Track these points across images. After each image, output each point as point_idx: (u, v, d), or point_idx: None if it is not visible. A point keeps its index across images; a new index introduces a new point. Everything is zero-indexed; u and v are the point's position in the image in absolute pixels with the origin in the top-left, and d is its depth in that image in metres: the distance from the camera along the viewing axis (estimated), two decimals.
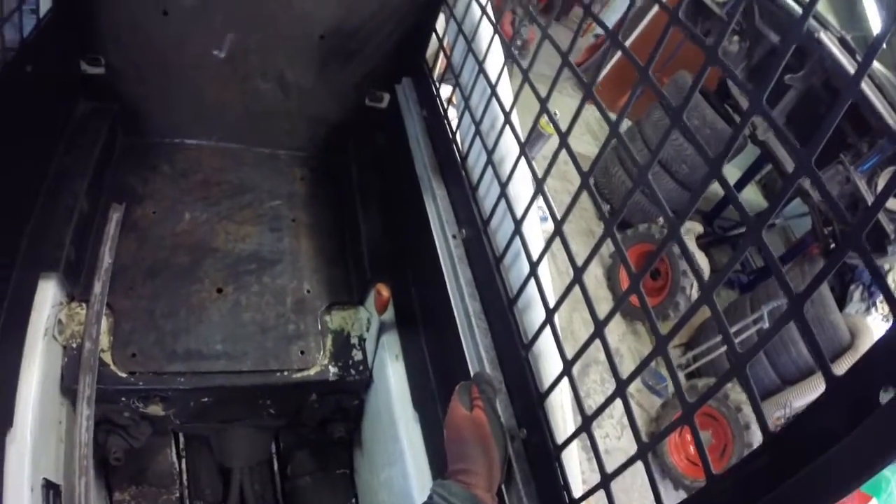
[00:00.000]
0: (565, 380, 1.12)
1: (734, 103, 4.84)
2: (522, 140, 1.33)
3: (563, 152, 1.18)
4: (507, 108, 1.41)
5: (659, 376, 4.60)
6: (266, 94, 2.26)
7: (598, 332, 1.07)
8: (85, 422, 1.50)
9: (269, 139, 2.43)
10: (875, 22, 5.78)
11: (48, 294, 1.62)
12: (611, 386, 0.98)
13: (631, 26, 6.54)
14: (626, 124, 6.67)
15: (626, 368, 4.36)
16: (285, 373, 1.82)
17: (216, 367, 1.78)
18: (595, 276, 5.27)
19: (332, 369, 1.86)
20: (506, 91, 1.49)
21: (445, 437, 1.15)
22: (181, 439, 2.22)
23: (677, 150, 5.05)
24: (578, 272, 1.11)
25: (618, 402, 0.97)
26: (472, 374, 1.32)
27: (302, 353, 1.86)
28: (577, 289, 1.10)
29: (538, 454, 1.16)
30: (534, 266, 1.22)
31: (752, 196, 7.25)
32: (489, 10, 1.61)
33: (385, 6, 2.05)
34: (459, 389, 1.20)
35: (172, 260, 1.98)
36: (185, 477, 2.20)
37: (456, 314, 1.41)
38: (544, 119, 1.31)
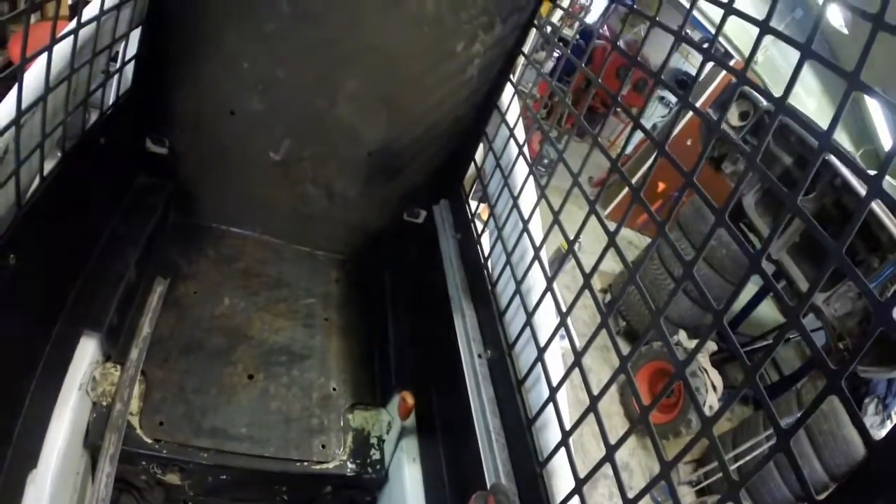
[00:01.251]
0: (576, 497, 1.20)
1: (749, 222, 5.01)
2: (549, 274, 1.47)
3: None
4: (538, 244, 1.55)
5: (668, 492, 4.49)
6: (313, 198, 2.46)
7: (609, 456, 1.15)
8: (105, 478, 1.55)
9: (310, 239, 2.61)
10: (884, 135, 5.99)
11: (88, 351, 1.73)
12: (618, 500, 1.06)
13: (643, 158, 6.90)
14: (646, 240, 6.90)
15: (635, 483, 4.30)
16: (305, 463, 1.88)
17: (239, 449, 1.84)
18: (608, 392, 5.27)
19: (350, 465, 1.92)
20: (536, 227, 1.65)
21: None
22: None
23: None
24: (594, 402, 1.21)
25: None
26: (488, 484, 1.39)
27: (323, 446, 1.93)
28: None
29: None
30: (553, 392, 1.32)
31: (767, 311, 7.28)
32: (526, 151, 1.81)
33: (429, 133, 2.28)
34: (476, 499, 1.27)
35: (208, 341, 2.09)
36: None
37: (477, 428, 1.50)
38: (563, 241, 1.45)
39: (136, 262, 2.01)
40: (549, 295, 1.43)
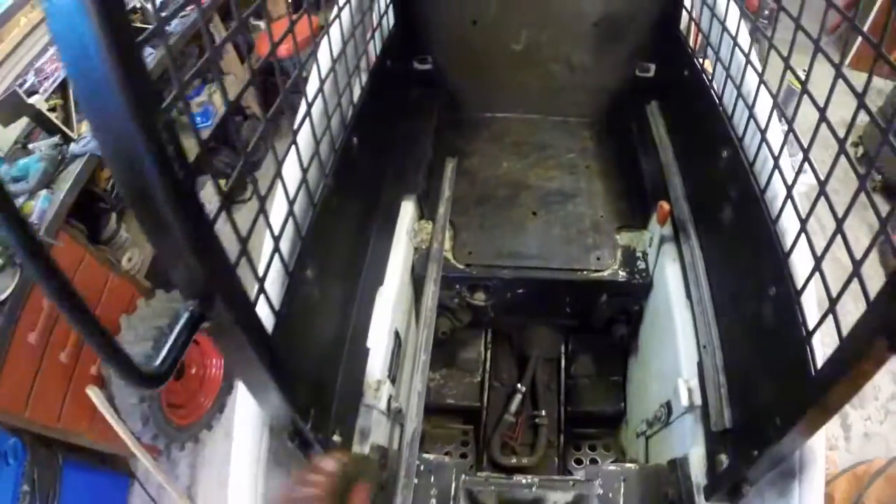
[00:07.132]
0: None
1: None
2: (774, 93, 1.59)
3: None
4: (761, 71, 1.68)
5: None
6: (556, 74, 2.94)
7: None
8: (431, 294, 2.18)
9: (561, 109, 3.08)
10: None
11: (408, 209, 2.37)
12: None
13: None
14: (890, 86, 5.95)
15: None
16: (585, 272, 2.36)
17: (532, 264, 2.38)
18: (878, 274, 4.86)
19: (622, 273, 2.34)
20: (753, 55, 1.79)
21: None
22: (489, 335, 2.94)
23: None
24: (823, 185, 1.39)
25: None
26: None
27: (598, 258, 2.40)
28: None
29: None
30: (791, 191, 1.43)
31: None
32: None
33: None
34: None
35: (496, 193, 2.68)
36: (488, 364, 2.85)
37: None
38: (791, 76, 1.47)
39: (430, 146, 2.67)
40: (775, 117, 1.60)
